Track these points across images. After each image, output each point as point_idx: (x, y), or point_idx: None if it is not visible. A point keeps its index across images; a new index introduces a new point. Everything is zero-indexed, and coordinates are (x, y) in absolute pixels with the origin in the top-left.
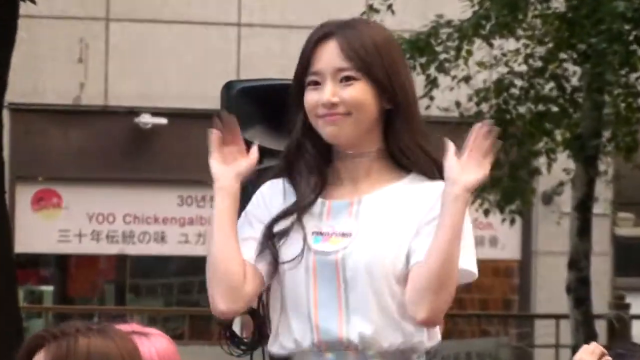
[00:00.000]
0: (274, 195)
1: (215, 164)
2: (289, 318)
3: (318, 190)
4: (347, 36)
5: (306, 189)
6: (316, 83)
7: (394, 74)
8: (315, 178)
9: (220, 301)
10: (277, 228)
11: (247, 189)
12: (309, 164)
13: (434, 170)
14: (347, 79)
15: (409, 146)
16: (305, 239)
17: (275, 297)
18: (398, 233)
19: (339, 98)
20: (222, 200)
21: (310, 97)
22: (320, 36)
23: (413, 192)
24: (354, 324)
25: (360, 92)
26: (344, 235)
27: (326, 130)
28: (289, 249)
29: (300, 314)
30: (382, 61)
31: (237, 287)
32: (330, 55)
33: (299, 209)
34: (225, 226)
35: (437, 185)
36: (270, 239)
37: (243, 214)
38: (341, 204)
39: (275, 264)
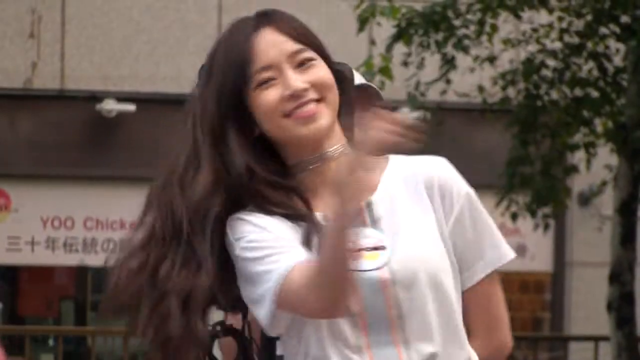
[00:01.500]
0: (268, 223)
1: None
2: (325, 350)
3: (308, 205)
4: (279, 20)
5: (296, 210)
6: (270, 80)
7: (327, 50)
8: (291, 196)
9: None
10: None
11: None
12: (275, 186)
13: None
14: (305, 62)
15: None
16: None
17: (294, 326)
18: (428, 229)
19: (306, 83)
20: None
21: (270, 96)
22: (250, 30)
23: (409, 177)
24: (415, 348)
25: (324, 70)
26: (376, 249)
27: (303, 130)
28: None
29: (341, 344)
30: (317, 37)
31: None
32: (275, 43)
33: (308, 230)
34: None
35: (425, 164)
36: None
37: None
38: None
39: None
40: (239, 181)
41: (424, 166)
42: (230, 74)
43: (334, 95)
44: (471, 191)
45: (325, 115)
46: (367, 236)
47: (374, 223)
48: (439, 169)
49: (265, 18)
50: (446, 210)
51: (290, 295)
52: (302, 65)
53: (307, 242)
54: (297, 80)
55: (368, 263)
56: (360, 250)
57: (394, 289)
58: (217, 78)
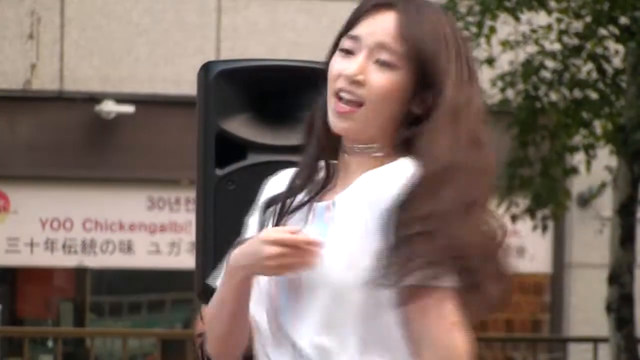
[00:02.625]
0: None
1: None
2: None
3: (307, 189)
4: (411, 13)
5: (297, 188)
6: (348, 52)
7: (444, 75)
8: (307, 173)
9: None
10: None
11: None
12: (310, 154)
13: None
14: (384, 62)
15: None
16: None
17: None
18: (354, 245)
19: (365, 78)
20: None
21: (337, 64)
22: (380, 2)
23: (363, 191)
24: (305, 332)
25: (393, 83)
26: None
27: (333, 120)
28: None
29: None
30: (439, 57)
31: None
32: (381, 26)
33: (280, 213)
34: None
35: (381, 185)
36: None
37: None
38: (321, 206)
39: None
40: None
41: (377, 188)
42: (341, 29)
43: (379, 110)
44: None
45: (359, 120)
46: (317, 231)
47: (330, 222)
48: (386, 190)
49: (402, 2)
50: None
51: None
52: (379, 63)
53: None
54: (357, 68)
55: None
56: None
57: (300, 290)
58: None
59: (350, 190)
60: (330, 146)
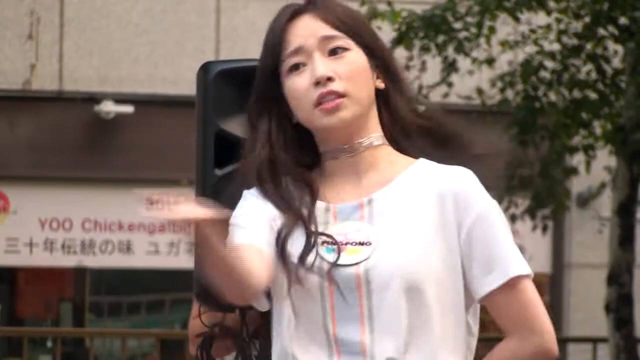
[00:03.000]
0: (264, 203)
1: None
2: (302, 339)
3: (314, 194)
4: (323, 7)
5: (300, 196)
6: (296, 67)
7: (380, 42)
8: (304, 183)
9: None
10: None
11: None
12: (290, 171)
13: (434, 148)
14: (337, 50)
15: (410, 125)
16: (317, 252)
17: (277, 319)
18: (423, 237)
19: (333, 72)
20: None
21: (298, 82)
22: (289, 15)
23: (425, 182)
24: (379, 342)
25: (356, 62)
26: (361, 244)
27: (325, 120)
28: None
29: (316, 335)
30: (367, 27)
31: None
32: (310, 28)
33: (303, 218)
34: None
35: (446, 173)
36: (283, 255)
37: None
38: (348, 207)
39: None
40: (259, 165)
41: (444, 176)
42: (266, 58)
43: (362, 91)
44: (489, 205)
45: (349, 108)
46: (359, 230)
47: (371, 218)
48: (457, 181)
49: (310, 3)
50: (459, 222)
51: None
52: (334, 53)
53: (280, 236)
54: (323, 66)
55: (347, 258)
56: (346, 243)
57: (367, 287)
58: (259, 63)
59: (403, 182)
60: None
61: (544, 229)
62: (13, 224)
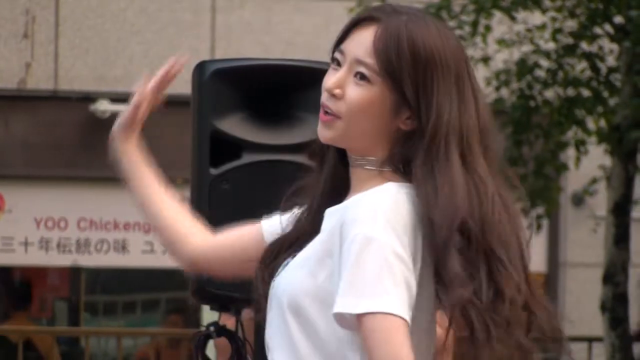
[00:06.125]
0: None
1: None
2: None
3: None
4: (391, 28)
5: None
6: (337, 65)
7: (425, 91)
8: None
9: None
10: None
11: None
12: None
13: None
14: (361, 76)
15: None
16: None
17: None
18: (312, 259)
19: (343, 92)
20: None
21: (327, 76)
22: (367, 17)
23: (344, 209)
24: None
25: (367, 98)
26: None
27: (319, 130)
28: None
29: None
30: (415, 71)
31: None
32: (360, 41)
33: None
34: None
35: (352, 202)
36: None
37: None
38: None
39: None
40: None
41: (350, 204)
42: (333, 43)
43: (357, 125)
44: (363, 235)
45: (337, 130)
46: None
47: (314, 233)
48: (351, 211)
49: (386, 15)
50: (340, 245)
51: None
52: (358, 77)
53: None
54: (336, 82)
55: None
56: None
57: (271, 308)
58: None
59: (338, 207)
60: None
61: (538, 227)
62: (8, 223)
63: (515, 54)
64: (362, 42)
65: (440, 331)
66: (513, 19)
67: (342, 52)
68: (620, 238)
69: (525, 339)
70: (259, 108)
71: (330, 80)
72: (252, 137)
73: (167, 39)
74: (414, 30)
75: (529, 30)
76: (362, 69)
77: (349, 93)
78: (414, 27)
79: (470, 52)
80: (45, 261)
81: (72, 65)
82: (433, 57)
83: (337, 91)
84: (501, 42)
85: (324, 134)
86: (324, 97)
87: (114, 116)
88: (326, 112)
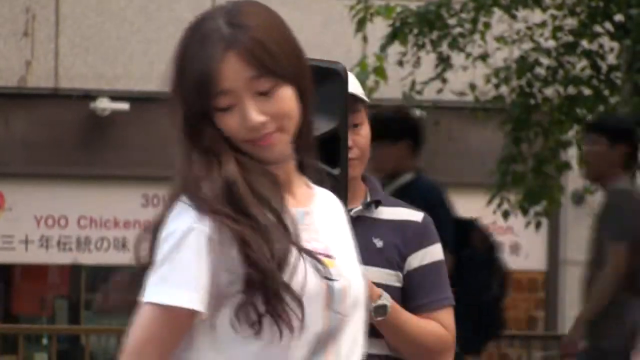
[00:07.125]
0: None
1: None
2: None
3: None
4: (247, 40)
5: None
6: (227, 107)
7: (304, 70)
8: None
9: None
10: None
11: None
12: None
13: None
14: (267, 90)
15: (311, 144)
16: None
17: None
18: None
19: (266, 115)
20: None
21: (231, 122)
22: (220, 50)
23: (335, 208)
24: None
25: (285, 100)
26: (327, 256)
27: (264, 154)
28: (299, 278)
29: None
30: (294, 57)
31: None
32: (237, 70)
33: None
34: None
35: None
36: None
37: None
38: (300, 211)
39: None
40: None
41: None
42: (195, 91)
43: (292, 123)
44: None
45: (283, 143)
46: (317, 239)
47: (316, 231)
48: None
49: (236, 34)
50: None
51: None
52: (263, 93)
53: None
54: (254, 113)
55: (330, 270)
56: (317, 253)
57: (341, 305)
58: (185, 85)
59: (321, 202)
60: None
61: (537, 225)
62: (8, 221)
63: (516, 51)
64: (239, 69)
65: (442, 331)
66: (513, 17)
67: (226, 92)
68: None
69: None
70: None
71: (246, 115)
72: None
73: (167, 37)
74: (255, 20)
75: (529, 28)
76: (263, 85)
77: (273, 108)
78: (259, 32)
79: (469, 49)
80: (46, 259)
81: (72, 64)
82: (283, 28)
83: (262, 118)
84: (500, 39)
85: (276, 153)
86: (251, 135)
87: (114, 114)
88: (265, 137)
